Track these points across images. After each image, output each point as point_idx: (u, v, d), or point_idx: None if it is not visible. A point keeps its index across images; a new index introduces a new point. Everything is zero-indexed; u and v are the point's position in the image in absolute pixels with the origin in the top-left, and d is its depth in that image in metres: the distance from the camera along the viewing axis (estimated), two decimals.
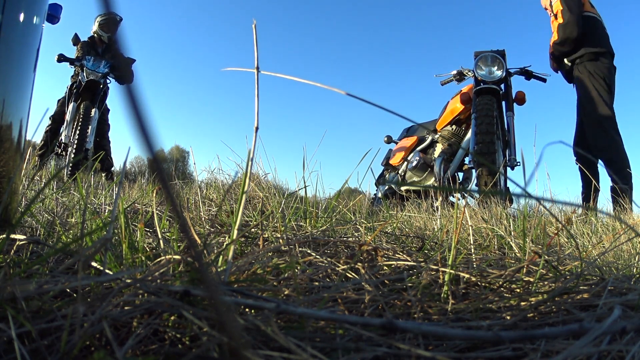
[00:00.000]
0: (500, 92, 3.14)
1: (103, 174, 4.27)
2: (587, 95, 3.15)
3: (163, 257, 0.56)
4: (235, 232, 0.59)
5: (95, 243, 0.63)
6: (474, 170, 3.15)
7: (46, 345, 0.39)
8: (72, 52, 4.26)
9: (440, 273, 0.64)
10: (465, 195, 2.03)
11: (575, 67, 3.28)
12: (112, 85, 4.26)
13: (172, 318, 0.44)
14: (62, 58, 3.93)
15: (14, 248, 0.63)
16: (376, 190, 4.06)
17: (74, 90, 3.98)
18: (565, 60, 3.36)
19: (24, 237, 0.64)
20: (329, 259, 0.71)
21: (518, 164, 2.97)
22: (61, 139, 3.91)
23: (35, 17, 0.74)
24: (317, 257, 0.71)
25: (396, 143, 4.31)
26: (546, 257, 0.70)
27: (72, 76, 4.30)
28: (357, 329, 0.41)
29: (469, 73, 3.44)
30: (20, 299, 0.42)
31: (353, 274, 0.67)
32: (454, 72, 3.55)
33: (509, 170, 3.01)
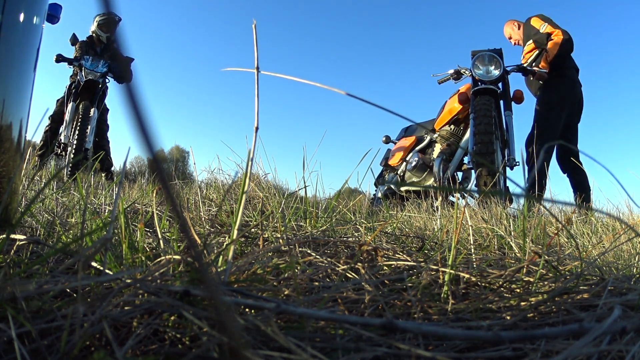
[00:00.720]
0: (498, 91, 3.14)
1: (103, 174, 4.27)
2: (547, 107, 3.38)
3: (163, 257, 0.56)
4: (235, 232, 0.59)
5: (95, 243, 0.63)
6: (473, 171, 3.15)
7: (46, 345, 0.39)
8: (71, 52, 4.26)
9: (440, 273, 0.64)
10: (465, 195, 2.03)
11: (547, 81, 3.43)
12: (111, 84, 4.25)
13: (172, 318, 0.44)
14: (60, 58, 3.93)
15: (14, 248, 0.63)
16: (375, 190, 4.05)
17: (73, 90, 3.97)
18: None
19: (24, 237, 0.64)
20: (329, 259, 0.71)
21: (517, 164, 2.98)
22: (60, 139, 3.91)
23: (35, 17, 0.74)
24: (317, 257, 0.71)
25: (394, 143, 4.30)
26: (546, 257, 0.70)
27: (71, 76, 4.29)
28: (357, 329, 0.41)
29: (466, 72, 3.44)
30: (20, 299, 0.42)
31: (353, 274, 0.67)
32: (451, 71, 3.54)
33: (509, 170, 3.02)
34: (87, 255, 0.54)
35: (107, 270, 0.53)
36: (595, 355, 0.41)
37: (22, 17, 0.69)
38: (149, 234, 0.95)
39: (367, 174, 1.26)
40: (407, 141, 3.98)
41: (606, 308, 0.55)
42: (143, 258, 0.63)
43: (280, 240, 0.87)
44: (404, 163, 3.77)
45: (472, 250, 0.93)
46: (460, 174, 3.59)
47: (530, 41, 3.55)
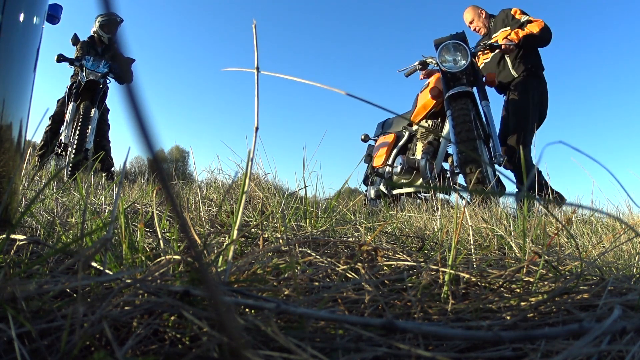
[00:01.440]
0: (473, 92, 3.07)
1: (103, 174, 4.27)
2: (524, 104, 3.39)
3: (163, 257, 0.56)
4: (235, 232, 0.59)
5: (95, 243, 0.63)
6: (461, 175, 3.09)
7: (46, 346, 0.39)
8: (72, 52, 4.26)
9: (440, 273, 0.64)
10: (462, 195, 2.02)
11: (520, 80, 3.43)
12: (112, 85, 4.26)
13: (172, 318, 0.44)
14: (61, 58, 3.93)
15: (14, 248, 0.63)
16: (366, 189, 4.01)
17: (74, 90, 3.97)
18: (513, 71, 3.44)
19: (24, 237, 0.64)
20: (329, 259, 0.71)
21: (503, 159, 2.92)
22: (61, 139, 3.90)
23: (35, 17, 0.74)
24: (317, 257, 0.71)
25: (374, 140, 4.25)
26: (546, 257, 0.70)
27: (71, 76, 4.30)
28: (357, 329, 0.41)
29: (432, 61, 3.37)
30: (20, 299, 0.42)
31: (353, 274, 0.67)
32: (416, 63, 3.50)
33: (500, 164, 2.96)
34: (87, 255, 0.54)
35: (107, 271, 0.53)
36: (595, 355, 0.41)
37: (22, 17, 0.69)
38: (149, 234, 0.95)
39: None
40: (387, 139, 3.90)
41: (606, 308, 0.55)
42: (143, 258, 0.63)
43: (280, 240, 0.87)
44: (389, 167, 3.68)
45: (472, 250, 0.93)
46: (447, 165, 3.51)
47: (508, 28, 3.52)
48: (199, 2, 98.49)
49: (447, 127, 3.22)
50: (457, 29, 3.57)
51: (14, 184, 0.69)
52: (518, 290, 0.65)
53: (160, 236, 0.69)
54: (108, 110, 4.48)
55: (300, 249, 0.77)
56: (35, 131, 0.84)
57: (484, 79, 3.24)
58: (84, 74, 3.93)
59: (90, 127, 3.75)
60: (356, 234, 1.15)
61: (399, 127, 3.95)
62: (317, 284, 0.61)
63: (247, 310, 0.48)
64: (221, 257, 0.59)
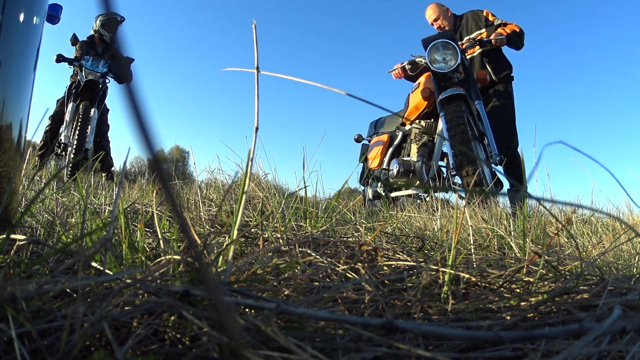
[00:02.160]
0: (465, 94, 3.03)
1: (103, 174, 4.27)
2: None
3: (163, 257, 0.56)
4: (235, 232, 0.59)
5: (95, 243, 0.63)
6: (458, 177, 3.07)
7: (46, 346, 0.39)
8: (71, 52, 4.26)
9: (440, 273, 0.64)
10: (462, 196, 2.01)
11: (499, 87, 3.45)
12: (112, 84, 4.25)
13: (172, 318, 0.44)
14: (60, 58, 3.92)
15: (14, 248, 0.63)
16: (363, 189, 4.00)
17: (73, 90, 3.97)
18: (492, 75, 3.44)
19: (24, 237, 0.64)
20: (329, 259, 0.71)
21: (500, 159, 2.92)
22: (61, 139, 3.90)
23: (35, 17, 0.74)
24: (317, 257, 0.71)
25: (368, 140, 4.23)
26: (546, 257, 0.70)
27: (71, 76, 4.29)
28: (357, 329, 0.41)
29: (422, 60, 3.33)
30: (20, 299, 0.42)
31: (353, 274, 0.67)
32: (405, 62, 3.47)
33: (498, 163, 2.95)
34: (87, 255, 0.54)
35: (107, 271, 0.53)
36: (595, 355, 0.41)
37: (22, 17, 0.69)
38: (149, 234, 0.95)
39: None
40: (381, 139, 3.88)
41: (606, 308, 0.55)
42: (143, 258, 0.63)
43: (280, 241, 0.87)
44: (384, 171, 3.65)
45: (472, 250, 0.93)
46: (443, 164, 3.51)
47: (483, 30, 3.49)
48: (199, 2, 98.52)
49: (440, 125, 3.21)
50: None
51: (14, 184, 0.69)
52: (518, 290, 0.65)
53: (160, 236, 0.69)
54: (108, 110, 4.48)
55: (300, 249, 0.77)
56: (35, 131, 0.84)
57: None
58: (84, 74, 3.93)
59: (89, 127, 3.75)
60: (356, 234, 1.15)
61: (392, 126, 3.91)
62: (317, 284, 0.61)
63: (247, 310, 0.48)
64: (221, 257, 0.59)
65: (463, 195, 2.30)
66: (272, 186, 1.66)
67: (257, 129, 0.61)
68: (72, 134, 3.80)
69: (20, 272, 0.53)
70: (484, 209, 1.65)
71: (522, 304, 0.57)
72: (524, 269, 0.67)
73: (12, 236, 0.62)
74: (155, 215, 0.75)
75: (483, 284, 0.67)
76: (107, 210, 1.14)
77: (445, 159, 3.40)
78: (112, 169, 4.52)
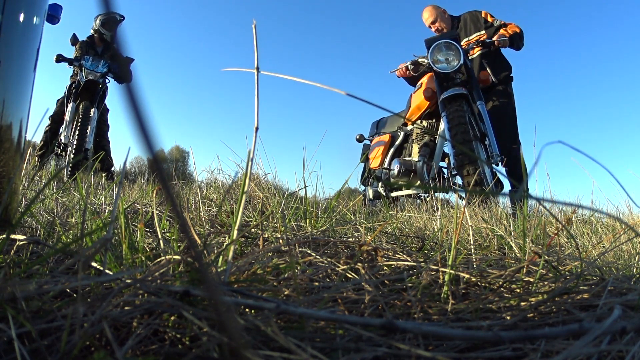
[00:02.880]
0: (467, 94, 3.03)
1: (103, 174, 4.27)
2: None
3: (163, 257, 0.56)
4: (235, 232, 0.59)
5: (95, 243, 0.63)
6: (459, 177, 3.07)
7: (46, 346, 0.39)
8: (71, 52, 4.26)
9: (440, 273, 0.64)
10: (462, 196, 2.01)
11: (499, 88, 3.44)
12: (112, 84, 4.25)
13: (172, 318, 0.44)
14: (60, 58, 3.92)
15: (14, 248, 0.63)
16: (364, 189, 4.00)
17: (73, 90, 3.97)
18: (492, 77, 3.43)
19: (24, 237, 0.64)
20: (329, 259, 0.71)
21: (501, 159, 2.91)
22: (61, 139, 3.90)
23: (35, 17, 0.74)
24: (317, 257, 0.71)
25: (370, 140, 4.23)
26: (546, 257, 0.70)
27: (71, 76, 4.29)
28: (357, 329, 0.41)
29: (425, 60, 3.32)
30: (20, 299, 0.42)
31: (353, 274, 0.67)
32: (408, 62, 3.45)
33: (497, 164, 2.95)
34: (87, 255, 0.54)
35: (107, 271, 0.53)
36: (595, 355, 0.41)
37: (22, 17, 0.69)
38: (149, 234, 0.95)
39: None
40: (383, 139, 3.88)
41: (606, 308, 0.55)
42: (143, 258, 0.63)
43: (280, 241, 0.87)
44: (386, 171, 3.64)
45: (472, 251, 0.93)
46: (444, 164, 3.50)
47: (483, 31, 3.49)
48: (198, 2, 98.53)
49: (442, 125, 3.21)
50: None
51: (14, 184, 0.69)
52: (518, 290, 0.65)
53: (160, 236, 0.69)
54: (107, 110, 4.48)
55: (300, 249, 0.77)
56: (35, 131, 0.84)
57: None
58: (83, 74, 3.93)
59: (89, 127, 3.75)
60: (356, 234, 1.15)
61: (393, 126, 3.91)
62: (317, 284, 0.61)
63: (247, 310, 0.48)
64: (221, 257, 0.59)
65: (463, 195, 2.30)
66: (272, 186, 1.66)
67: (257, 129, 0.61)
68: (72, 134, 3.80)
69: (20, 272, 0.53)
70: (484, 209, 1.65)
71: (522, 304, 0.57)
72: (524, 269, 0.67)
73: (12, 236, 0.62)
74: (155, 215, 0.75)
75: (483, 284, 0.67)
76: (107, 210, 1.14)
77: (446, 160, 3.40)
78: (112, 169, 4.52)
